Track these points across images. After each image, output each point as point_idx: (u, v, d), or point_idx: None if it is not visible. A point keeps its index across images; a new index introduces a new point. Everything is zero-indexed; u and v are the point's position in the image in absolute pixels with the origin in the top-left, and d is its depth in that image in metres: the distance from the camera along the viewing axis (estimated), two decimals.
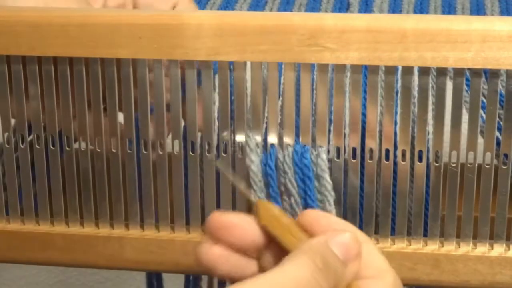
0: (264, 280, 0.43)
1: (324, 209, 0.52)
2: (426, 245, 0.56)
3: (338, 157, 0.55)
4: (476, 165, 0.54)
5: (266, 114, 0.55)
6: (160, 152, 0.56)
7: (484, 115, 0.52)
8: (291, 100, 0.54)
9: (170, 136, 0.56)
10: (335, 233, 0.47)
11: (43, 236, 0.59)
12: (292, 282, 0.43)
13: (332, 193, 0.54)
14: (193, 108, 0.54)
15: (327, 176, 0.54)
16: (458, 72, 0.52)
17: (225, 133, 0.55)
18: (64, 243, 0.59)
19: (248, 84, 0.54)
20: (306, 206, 0.53)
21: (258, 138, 0.55)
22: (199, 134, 0.56)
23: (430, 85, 0.52)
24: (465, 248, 0.56)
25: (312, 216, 0.49)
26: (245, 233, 0.49)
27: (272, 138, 0.55)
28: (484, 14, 0.65)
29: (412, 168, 0.54)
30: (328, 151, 0.55)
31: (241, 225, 0.49)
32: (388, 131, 0.54)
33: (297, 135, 0.55)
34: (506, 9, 0.65)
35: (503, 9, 0.65)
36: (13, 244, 0.60)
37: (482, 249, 0.56)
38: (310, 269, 0.43)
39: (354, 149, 0.55)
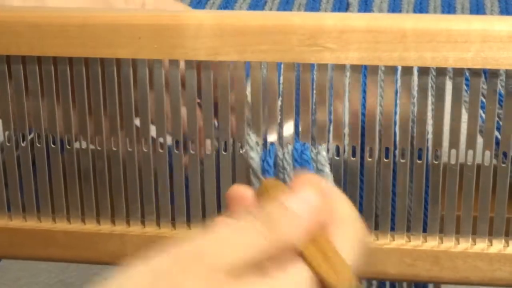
0: (205, 233, 0.43)
1: None
2: (426, 241, 0.57)
3: (338, 155, 0.55)
4: (475, 164, 0.54)
5: (266, 114, 0.55)
6: (161, 151, 0.56)
7: (483, 115, 0.53)
8: (291, 100, 0.54)
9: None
10: (297, 190, 0.46)
11: (45, 233, 0.60)
12: (229, 231, 0.42)
13: (333, 184, 0.54)
14: (193, 107, 0.55)
15: (327, 169, 0.54)
16: (458, 72, 0.52)
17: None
18: (65, 240, 0.59)
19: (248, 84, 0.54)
20: None
21: (258, 137, 0.55)
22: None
23: (430, 85, 0.52)
24: (465, 245, 0.56)
25: (297, 178, 0.49)
26: (246, 204, 0.49)
27: (272, 137, 0.55)
28: (484, 14, 0.65)
29: (411, 169, 0.55)
30: (328, 150, 0.55)
31: (246, 198, 0.49)
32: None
33: (297, 134, 0.55)
34: (506, 9, 0.65)
35: (502, 9, 0.65)
36: (15, 240, 0.60)
37: (481, 245, 0.56)
38: (249, 219, 0.43)
39: (353, 148, 0.55)
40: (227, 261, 0.41)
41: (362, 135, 0.54)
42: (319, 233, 0.45)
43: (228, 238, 0.42)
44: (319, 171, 0.55)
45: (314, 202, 0.45)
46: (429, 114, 0.53)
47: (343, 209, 0.47)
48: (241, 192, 0.50)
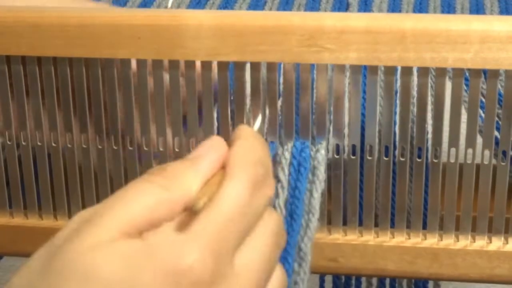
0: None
1: (310, 198, 0.52)
2: (425, 239, 0.57)
3: (337, 153, 0.55)
4: (475, 163, 0.54)
5: (267, 114, 0.55)
6: (162, 149, 0.56)
7: (483, 115, 0.53)
8: (291, 100, 0.54)
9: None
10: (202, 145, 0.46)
11: (46, 230, 0.60)
12: (126, 190, 0.42)
13: (322, 184, 0.54)
14: (194, 106, 0.55)
15: (322, 168, 0.54)
16: (458, 72, 0.52)
17: None
18: None
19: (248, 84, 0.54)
20: (293, 192, 0.53)
21: None
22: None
23: (430, 85, 0.52)
24: (464, 242, 0.57)
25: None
26: None
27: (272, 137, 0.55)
28: (484, 14, 0.65)
29: (411, 167, 0.55)
30: (328, 150, 0.55)
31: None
32: None
33: (297, 133, 0.55)
34: (506, 9, 0.64)
35: (502, 9, 0.65)
36: (17, 238, 0.60)
37: (480, 243, 0.57)
38: (148, 177, 0.43)
39: (353, 146, 0.55)
40: (123, 220, 0.40)
41: (362, 134, 0.55)
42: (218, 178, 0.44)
43: (125, 197, 0.41)
44: (314, 169, 0.55)
45: (216, 151, 0.44)
46: (429, 114, 0.53)
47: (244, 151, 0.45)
48: None
